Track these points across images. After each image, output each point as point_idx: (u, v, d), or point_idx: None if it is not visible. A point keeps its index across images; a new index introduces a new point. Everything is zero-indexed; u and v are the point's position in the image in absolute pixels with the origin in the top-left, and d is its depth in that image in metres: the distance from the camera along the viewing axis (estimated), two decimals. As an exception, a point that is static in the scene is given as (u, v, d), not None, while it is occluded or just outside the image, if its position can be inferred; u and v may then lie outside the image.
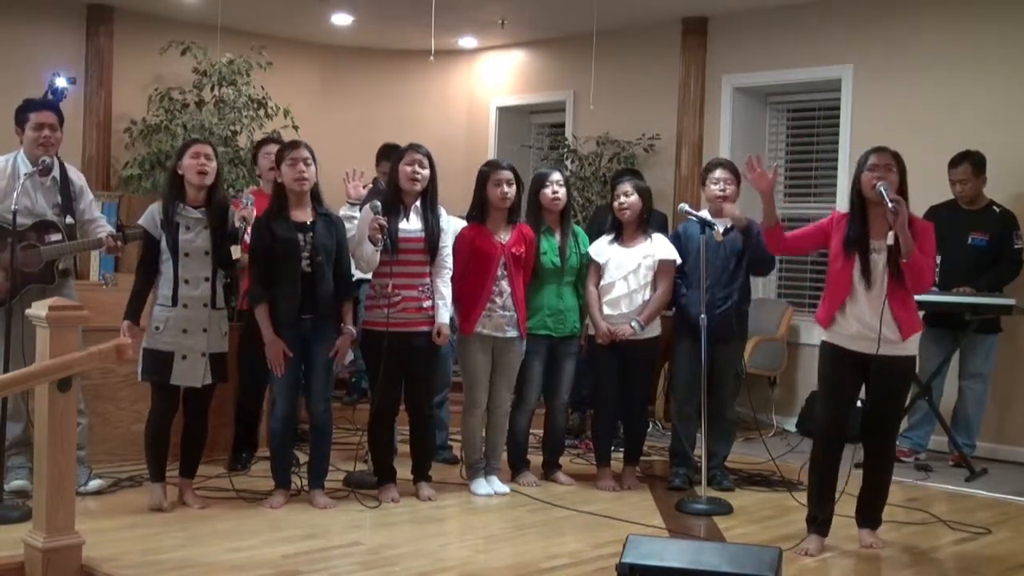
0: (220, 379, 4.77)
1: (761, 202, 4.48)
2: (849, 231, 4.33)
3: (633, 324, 5.28)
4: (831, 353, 4.41)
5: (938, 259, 6.29)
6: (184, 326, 4.61)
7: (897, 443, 6.40)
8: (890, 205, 4.11)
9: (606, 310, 5.34)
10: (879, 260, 4.26)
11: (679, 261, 5.38)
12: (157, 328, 4.61)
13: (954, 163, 6.30)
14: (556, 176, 5.42)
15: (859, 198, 4.32)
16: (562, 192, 5.38)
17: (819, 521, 4.41)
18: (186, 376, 4.64)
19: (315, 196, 4.85)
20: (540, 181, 5.43)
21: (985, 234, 6.23)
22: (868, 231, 4.31)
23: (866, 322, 4.26)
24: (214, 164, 4.71)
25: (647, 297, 5.33)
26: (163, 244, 4.64)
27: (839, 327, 4.36)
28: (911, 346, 4.38)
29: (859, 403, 4.60)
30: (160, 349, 4.61)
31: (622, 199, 5.35)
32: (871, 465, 4.49)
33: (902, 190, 4.27)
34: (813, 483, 4.47)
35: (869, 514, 4.51)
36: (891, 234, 4.16)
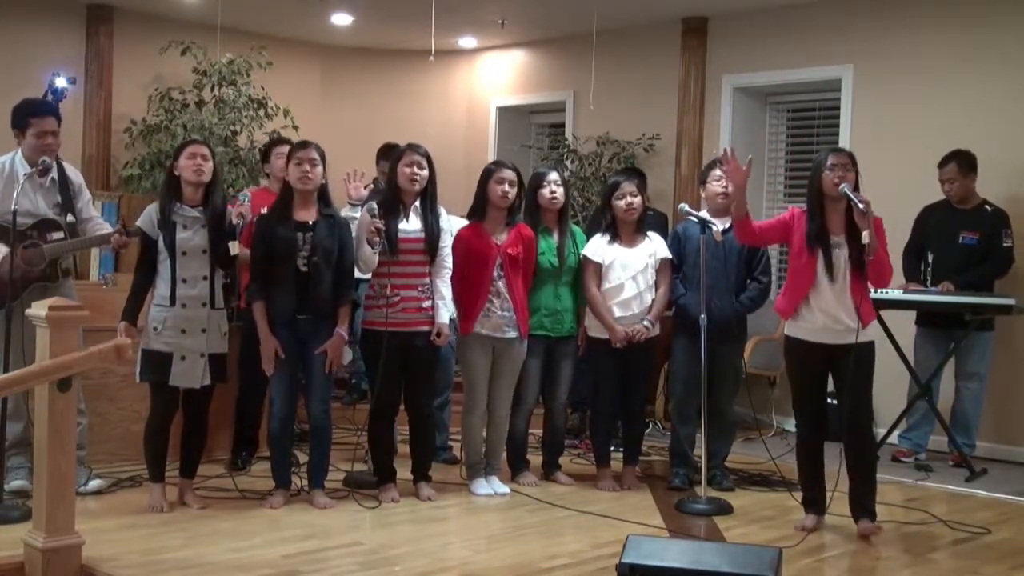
0: (219, 380, 4.75)
1: (734, 194, 4.71)
2: (810, 227, 4.54)
3: (646, 323, 5.28)
4: (797, 348, 4.64)
5: (930, 257, 6.36)
6: (183, 326, 4.60)
7: (897, 443, 6.46)
8: (860, 206, 4.33)
9: (617, 312, 5.31)
10: (840, 255, 4.50)
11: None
12: (155, 329, 4.60)
13: (942, 163, 6.32)
14: (553, 176, 5.42)
15: (818, 196, 4.52)
16: (560, 192, 5.38)
17: (814, 502, 4.70)
18: (185, 377, 4.63)
19: (322, 197, 4.85)
20: (538, 181, 5.43)
21: (976, 233, 6.24)
22: (827, 227, 4.51)
23: (831, 314, 4.50)
24: (210, 164, 4.70)
25: (653, 296, 5.34)
26: (160, 244, 4.63)
27: (804, 320, 4.58)
28: (869, 331, 4.59)
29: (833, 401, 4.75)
30: (158, 350, 4.60)
31: (629, 199, 5.34)
32: (854, 458, 4.59)
33: (855, 189, 4.47)
34: (801, 472, 4.76)
35: (862, 506, 4.59)
36: (867, 233, 4.33)
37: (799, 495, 4.83)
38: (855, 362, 4.49)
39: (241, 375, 5.48)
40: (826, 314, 4.50)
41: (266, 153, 5.94)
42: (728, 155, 4.65)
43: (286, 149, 5.64)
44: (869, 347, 4.59)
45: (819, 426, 4.67)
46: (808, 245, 4.51)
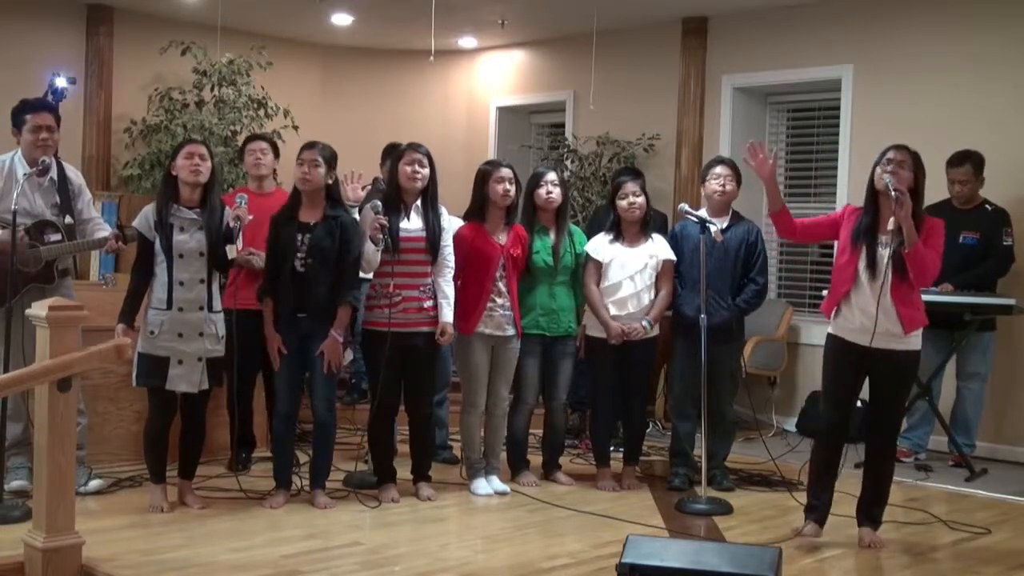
0: (217, 383, 4.74)
1: (765, 188, 4.61)
2: (860, 221, 4.42)
3: (644, 323, 5.28)
4: (835, 346, 4.50)
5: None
6: (179, 330, 4.57)
7: (897, 443, 6.44)
8: (893, 194, 4.21)
9: (613, 310, 5.32)
10: (885, 253, 4.35)
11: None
12: (152, 332, 4.57)
13: (955, 163, 6.28)
14: (551, 176, 5.42)
15: (872, 192, 4.42)
16: (556, 192, 5.38)
17: (816, 510, 4.52)
18: (182, 381, 4.60)
19: (330, 197, 4.84)
20: (535, 181, 5.44)
21: (976, 232, 6.23)
22: (878, 224, 4.39)
23: (869, 313, 4.33)
24: (208, 164, 4.67)
25: (651, 297, 5.33)
26: (157, 246, 4.60)
27: (844, 319, 4.45)
28: (914, 341, 4.42)
29: (860, 403, 4.64)
30: (155, 354, 4.57)
31: (631, 199, 5.34)
32: (872, 464, 4.53)
33: (916, 188, 4.34)
34: (812, 473, 4.58)
35: (869, 513, 4.53)
36: (891, 220, 4.24)
37: (800, 495, 4.82)
38: (894, 370, 4.38)
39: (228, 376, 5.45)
40: (865, 313, 4.34)
41: (241, 152, 5.94)
42: (756, 149, 4.54)
43: (257, 146, 5.68)
44: (912, 356, 4.45)
45: (841, 432, 4.49)
46: (853, 240, 4.40)
